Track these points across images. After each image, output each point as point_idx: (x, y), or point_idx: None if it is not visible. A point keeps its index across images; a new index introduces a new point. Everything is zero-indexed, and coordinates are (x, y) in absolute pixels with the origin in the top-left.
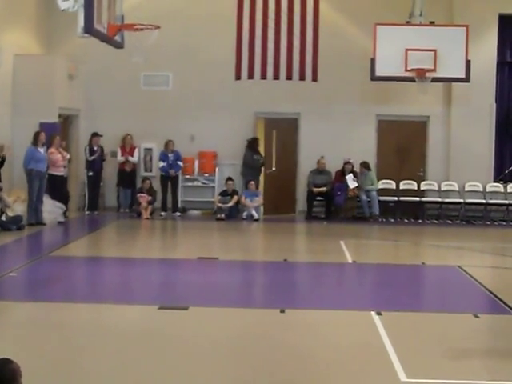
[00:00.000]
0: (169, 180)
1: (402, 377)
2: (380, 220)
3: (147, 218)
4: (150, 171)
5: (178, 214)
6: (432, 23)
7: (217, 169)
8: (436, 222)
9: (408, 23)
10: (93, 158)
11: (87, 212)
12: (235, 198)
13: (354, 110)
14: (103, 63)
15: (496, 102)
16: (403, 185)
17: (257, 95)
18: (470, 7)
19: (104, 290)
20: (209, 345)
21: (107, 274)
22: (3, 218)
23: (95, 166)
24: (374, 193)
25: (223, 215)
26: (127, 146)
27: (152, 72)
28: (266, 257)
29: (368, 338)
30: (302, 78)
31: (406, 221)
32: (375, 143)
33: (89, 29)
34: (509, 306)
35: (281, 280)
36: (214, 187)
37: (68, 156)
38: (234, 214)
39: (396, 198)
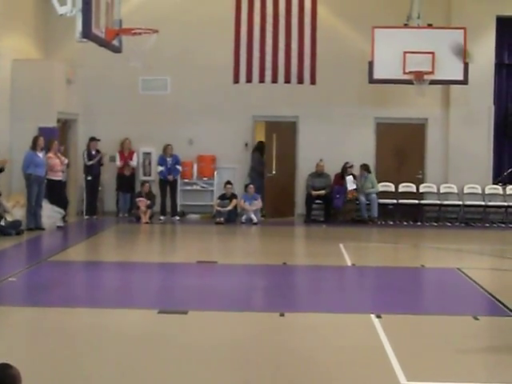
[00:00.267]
0: (168, 184)
1: (402, 379)
2: (379, 223)
3: (146, 223)
4: (149, 175)
5: (177, 218)
6: (430, 26)
7: (215, 173)
8: (435, 224)
9: (406, 26)
10: (91, 162)
11: (86, 216)
12: (234, 201)
13: (353, 112)
14: (101, 67)
15: (494, 104)
16: (402, 187)
17: (255, 99)
18: (467, 9)
19: (103, 295)
20: (208, 349)
21: (106, 278)
22: (2, 223)
23: (93, 170)
24: (374, 195)
25: (222, 219)
26: (126, 151)
27: (150, 76)
28: (265, 260)
29: (368, 340)
30: (301, 81)
31: (405, 223)
32: (374, 146)
33: (87, 33)
34: (508, 308)
35: (280, 283)
36: (212, 191)
37: (66, 161)
38: (233, 218)
39: (395, 201)
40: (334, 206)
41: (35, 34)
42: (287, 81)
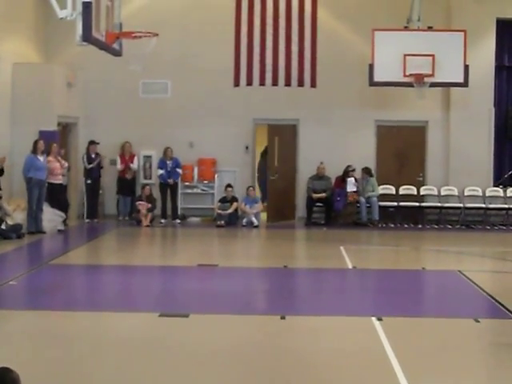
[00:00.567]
0: (168, 187)
1: (403, 382)
2: (380, 225)
3: (147, 226)
4: (150, 178)
5: (178, 221)
6: (430, 28)
7: (216, 176)
8: (436, 226)
9: (406, 28)
10: (91, 166)
11: (87, 220)
12: (235, 204)
13: (353, 115)
14: (102, 71)
15: (494, 106)
16: (403, 190)
17: (256, 102)
18: (467, 12)
19: (104, 298)
20: (210, 352)
21: (107, 281)
22: (3, 227)
23: (93, 173)
24: (375, 199)
25: (223, 222)
26: (126, 154)
27: (151, 79)
28: (266, 263)
29: (369, 343)
30: (301, 84)
31: (405, 226)
32: (374, 148)
33: (87, 37)
34: (509, 311)
35: (281, 286)
36: (213, 194)
37: (66, 164)
38: (233, 221)
39: (396, 204)
40: (334, 209)
41: (36, 38)
42: (288, 84)
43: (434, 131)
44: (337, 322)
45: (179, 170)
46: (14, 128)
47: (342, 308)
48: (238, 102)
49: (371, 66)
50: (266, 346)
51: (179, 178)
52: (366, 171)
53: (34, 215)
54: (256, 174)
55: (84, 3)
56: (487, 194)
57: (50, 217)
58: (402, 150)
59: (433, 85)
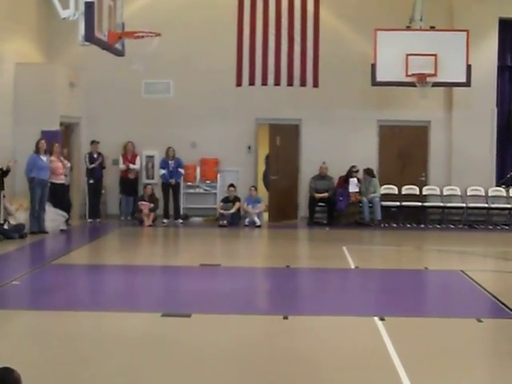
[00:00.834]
0: (170, 187)
1: (406, 382)
2: (382, 225)
3: (149, 226)
4: (152, 178)
5: (180, 221)
6: (432, 28)
7: (218, 175)
8: (438, 226)
9: (408, 28)
10: (93, 166)
11: (89, 220)
12: (237, 204)
13: (356, 115)
14: (104, 71)
15: (497, 106)
16: (405, 190)
17: (258, 102)
18: (470, 12)
19: (107, 298)
20: (212, 352)
21: (110, 281)
22: (5, 227)
23: (95, 173)
24: (377, 199)
25: (225, 222)
26: (129, 154)
27: (153, 79)
28: (268, 263)
29: (371, 343)
30: (303, 84)
31: (408, 226)
32: (377, 148)
33: (89, 37)
34: None
35: (283, 286)
36: (215, 194)
37: (69, 164)
38: (236, 221)
39: (398, 203)
40: (337, 209)
41: (38, 38)
42: (290, 84)
43: (437, 131)
44: (339, 321)
45: (181, 170)
46: (16, 128)
47: (345, 308)
48: (241, 101)
49: (373, 66)
50: (269, 345)
51: (181, 178)
52: (368, 172)
53: (37, 215)
54: (262, 180)
55: (86, 3)
56: (490, 194)
57: (53, 217)
58: (405, 149)
59: (435, 85)
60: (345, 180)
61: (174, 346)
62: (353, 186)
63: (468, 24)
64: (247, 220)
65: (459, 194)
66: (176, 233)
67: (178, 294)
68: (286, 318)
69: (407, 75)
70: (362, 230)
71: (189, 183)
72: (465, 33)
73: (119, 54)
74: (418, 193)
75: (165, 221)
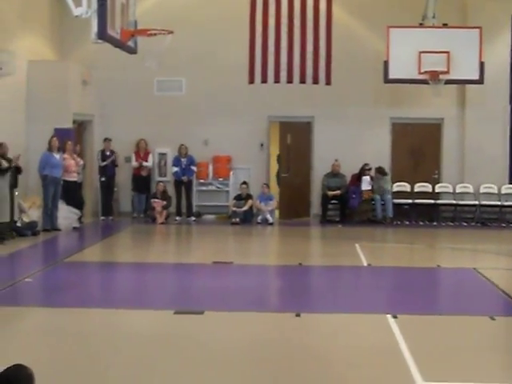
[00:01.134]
0: (182, 185)
1: (419, 380)
2: (395, 223)
3: (162, 223)
4: (165, 176)
5: (193, 218)
6: (445, 25)
7: (231, 173)
8: (451, 224)
9: (421, 25)
10: (104, 163)
11: (102, 217)
12: (250, 202)
13: (368, 113)
14: (117, 69)
15: (510, 103)
16: (418, 187)
17: (270, 99)
18: (483, 9)
19: (119, 296)
20: (225, 349)
21: (122, 279)
22: (19, 224)
23: (107, 171)
24: (389, 196)
25: (238, 219)
26: (141, 151)
27: (165, 77)
28: (280, 261)
29: (384, 341)
30: (316, 81)
31: (420, 223)
32: (389, 146)
33: (102, 34)
34: None
35: (296, 284)
36: (228, 191)
37: (81, 162)
38: (248, 218)
39: (411, 201)
40: (349, 207)
41: (51, 36)
42: (302, 81)
43: (450, 128)
44: (352, 319)
45: (194, 168)
46: (29, 126)
47: (357, 305)
48: (253, 99)
49: (386, 63)
50: (281, 343)
51: (194, 176)
52: (380, 171)
53: (50, 213)
54: (276, 178)
55: (99, 1)
56: (503, 192)
57: (66, 214)
58: (417, 147)
59: (448, 82)
60: (357, 178)
61: (187, 344)
62: (365, 184)
63: (481, 21)
64: (260, 217)
65: (472, 191)
66: (188, 230)
67: (191, 292)
68: (298, 315)
69: (420, 72)
70: (374, 227)
71: (201, 181)
72: (478, 30)
73: (132, 51)
74: (430, 190)
75: (177, 218)
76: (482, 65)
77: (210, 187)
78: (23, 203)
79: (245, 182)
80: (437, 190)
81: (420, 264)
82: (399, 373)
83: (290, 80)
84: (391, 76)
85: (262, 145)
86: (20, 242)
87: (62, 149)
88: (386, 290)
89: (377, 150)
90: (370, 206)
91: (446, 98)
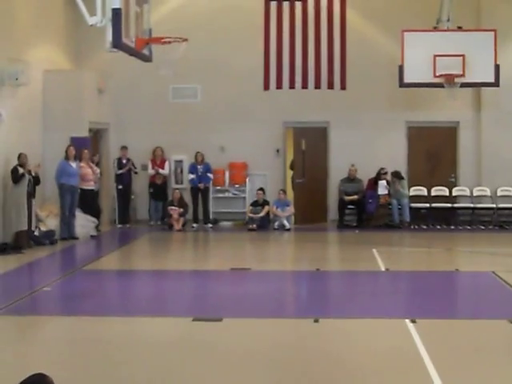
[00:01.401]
0: (199, 192)
1: None
2: (412, 227)
3: (179, 230)
4: (181, 183)
5: (210, 225)
6: (460, 28)
7: (247, 179)
8: (468, 227)
9: (435, 29)
10: (121, 171)
11: (119, 225)
12: (266, 208)
13: (384, 117)
14: (132, 77)
15: None
16: (435, 191)
17: (286, 105)
18: (497, 11)
19: (138, 303)
20: (244, 356)
21: (140, 286)
22: (36, 233)
23: (124, 179)
24: (406, 200)
25: (255, 225)
26: (158, 159)
27: (180, 84)
28: (298, 266)
29: (403, 345)
30: (331, 86)
31: (438, 227)
32: (406, 150)
33: (117, 43)
34: None
35: (314, 289)
36: (244, 198)
37: (98, 170)
38: (265, 224)
39: (428, 205)
40: (366, 211)
41: (66, 45)
42: (317, 86)
43: (466, 132)
44: (370, 324)
45: (210, 175)
46: (45, 135)
47: (376, 310)
48: (268, 105)
49: (401, 67)
50: (300, 348)
51: (210, 183)
52: (396, 175)
53: (67, 221)
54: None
55: (113, 10)
56: None
57: (83, 222)
58: (434, 151)
59: (463, 85)
60: (374, 182)
61: (206, 351)
62: (382, 189)
63: (495, 24)
64: (276, 223)
65: (489, 194)
66: (206, 237)
67: (209, 299)
68: (316, 321)
69: (435, 76)
70: (391, 232)
71: (218, 187)
72: (492, 32)
73: (147, 59)
74: (447, 194)
75: (194, 225)
76: (497, 67)
77: (227, 194)
78: (40, 212)
79: (261, 188)
80: (454, 194)
81: (438, 268)
82: (419, 377)
83: (304, 85)
84: (406, 80)
85: (277, 151)
86: (38, 251)
87: (78, 157)
88: (404, 294)
89: (393, 154)
90: (387, 211)
91: (461, 101)
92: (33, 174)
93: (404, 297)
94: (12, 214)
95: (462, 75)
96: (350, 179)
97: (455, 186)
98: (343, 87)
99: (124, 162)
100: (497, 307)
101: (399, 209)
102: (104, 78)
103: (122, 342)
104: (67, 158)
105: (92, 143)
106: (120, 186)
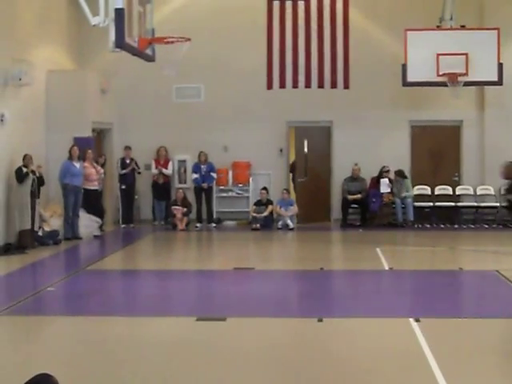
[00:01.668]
0: (203, 191)
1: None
2: (416, 226)
3: (182, 230)
4: (185, 183)
5: (213, 225)
6: (463, 27)
7: (251, 179)
8: (472, 226)
9: (438, 28)
10: (124, 171)
11: (123, 225)
12: (270, 207)
13: (387, 116)
14: (135, 77)
15: None
16: (438, 190)
17: (289, 104)
18: (500, 10)
19: (141, 303)
20: (247, 355)
21: (144, 286)
22: (40, 233)
23: (128, 179)
24: (410, 199)
25: (258, 225)
26: (161, 159)
27: (184, 84)
28: (302, 266)
29: (407, 345)
30: (334, 85)
31: (441, 226)
32: (409, 149)
33: (120, 43)
34: None
35: (318, 289)
36: (248, 197)
37: (102, 170)
38: (269, 224)
39: (431, 204)
40: (370, 210)
41: (69, 45)
42: (321, 86)
43: (469, 130)
44: (374, 323)
45: (214, 175)
46: (49, 135)
47: (380, 310)
48: (272, 104)
49: (404, 66)
50: (304, 348)
51: (214, 182)
52: (399, 174)
53: (71, 221)
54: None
55: (116, 10)
56: None
57: (86, 223)
58: (437, 149)
59: (467, 84)
60: (377, 181)
61: (210, 350)
62: (384, 187)
63: (498, 22)
64: (280, 223)
65: (493, 193)
66: (209, 237)
67: (213, 298)
68: (320, 320)
69: (438, 75)
70: (395, 231)
71: (221, 187)
72: (495, 31)
73: (150, 59)
74: (451, 193)
75: (198, 225)
76: (500, 66)
77: (230, 193)
78: (44, 212)
79: (265, 188)
80: (457, 193)
81: (442, 267)
82: (423, 377)
83: (308, 85)
84: (409, 79)
85: (281, 150)
86: (42, 251)
87: (82, 157)
88: (408, 293)
89: (396, 153)
90: (391, 210)
91: (464, 99)
92: (37, 175)
93: (408, 296)
94: (15, 213)
95: (466, 74)
96: (354, 178)
97: (459, 184)
98: (346, 86)
99: (127, 161)
100: (501, 306)
101: (403, 208)
102: (107, 78)
103: (125, 341)
104: (71, 158)
105: (95, 143)
106: (123, 186)
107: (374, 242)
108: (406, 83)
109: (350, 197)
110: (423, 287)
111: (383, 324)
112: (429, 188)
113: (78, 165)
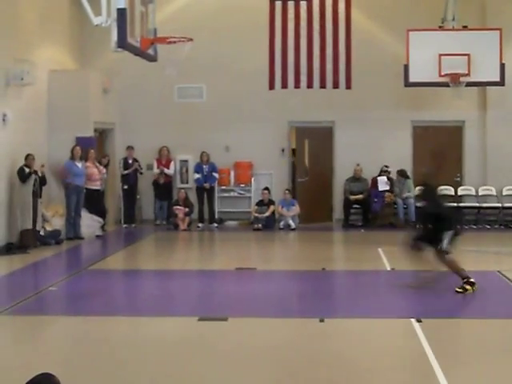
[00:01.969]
0: (205, 191)
1: None
2: (417, 226)
3: (184, 230)
4: (187, 183)
5: (215, 225)
6: (465, 27)
7: (253, 179)
8: (474, 227)
9: (441, 28)
10: (126, 172)
11: (124, 225)
12: (272, 207)
13: (389, 116)
14: (137, 76)
15: None
16: (440, 190)
17: (291, 104)
18: (502, 10)
19: (143, 303)
20: (249, 355)
21: (146, 286)
22: (42, 233)
23: (130, 179)
24: (411, 200)
25: (260, 225)
26: (163, 159)
27: (186, 84)
28: (303, 266)
29: (409, 345)
30: (336, 86)
31: None
32: (411, 149)
33: (122, 43)
34: None
35: (319, 289)
36: (250, 197)
37: (104, 170)
38: (270, 224)
39: None
40: (372, 211)
41: (71, 45)
42: (323, 86)
43: (471, 131)
44: (376, 324)
45: (215, 175)
46: (51, 135)
47: (381, 310)
48: (273, 104)
49: (406, 67)
50: (306, 348)
51: (216, 182)
52: (401, 173)
53: (73, 221)
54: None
55: (119, 10)
56: None
57: (88, 222)
58: (439, 150)
59: (469, 84)
60: (377, 180)
61: (212, 350)
62: (382, 185)
63: (501, 22)
64: (282, 223)
65: (495, 194)
66: (211, 237)
67: (215, 298)
68: (322, 320)
69: (440, 75)
70: (397, 231)
71: (223, 187)
72: (498, 31)
73: (152, 59)
74: (453, 193)
75: (200, 225)
76: (502, 66)
77: (232, 193)
78: (46, 212)
79: (266, 188)
80: (459, 193)
81: (444, 267)
82: (424, 377)
83: (310, 85)
84: (411, 79)
85: (283, 150)
86: (43, 250)
87: (84, 157)
88: (410, 293)
89: (398, 153)
90: (393, 210)
91: (466, 100)
92: (39, 174)
93: (410, 296)
94: (17, 212)
95: (468, 74)
96: (356, 178)
97: (461, 185)
98: (348, 87)
99: (130, 162)
100: (502, 306)
101: (405, 208)
102: (109, 77)
103: (127, 341)
104: (73, 157)
105: (98, 143)
106: (126, 186)
107: (375, 243)
108: (408, 84)
109: (352, 197)
110: (425, 287)
111: (385, 324)
112: None
113: (80, 164)
